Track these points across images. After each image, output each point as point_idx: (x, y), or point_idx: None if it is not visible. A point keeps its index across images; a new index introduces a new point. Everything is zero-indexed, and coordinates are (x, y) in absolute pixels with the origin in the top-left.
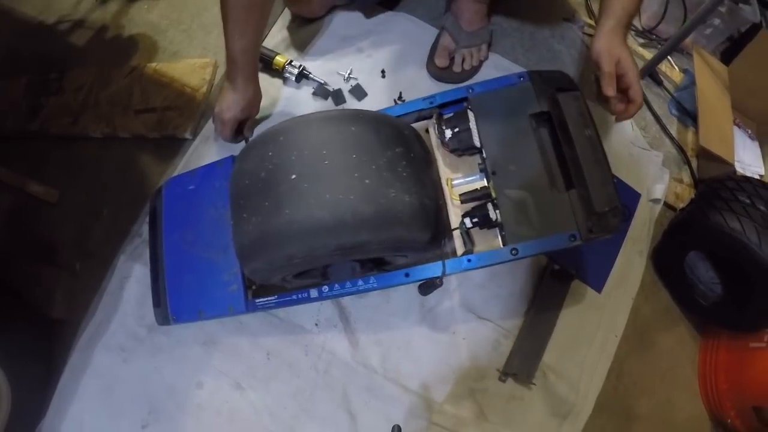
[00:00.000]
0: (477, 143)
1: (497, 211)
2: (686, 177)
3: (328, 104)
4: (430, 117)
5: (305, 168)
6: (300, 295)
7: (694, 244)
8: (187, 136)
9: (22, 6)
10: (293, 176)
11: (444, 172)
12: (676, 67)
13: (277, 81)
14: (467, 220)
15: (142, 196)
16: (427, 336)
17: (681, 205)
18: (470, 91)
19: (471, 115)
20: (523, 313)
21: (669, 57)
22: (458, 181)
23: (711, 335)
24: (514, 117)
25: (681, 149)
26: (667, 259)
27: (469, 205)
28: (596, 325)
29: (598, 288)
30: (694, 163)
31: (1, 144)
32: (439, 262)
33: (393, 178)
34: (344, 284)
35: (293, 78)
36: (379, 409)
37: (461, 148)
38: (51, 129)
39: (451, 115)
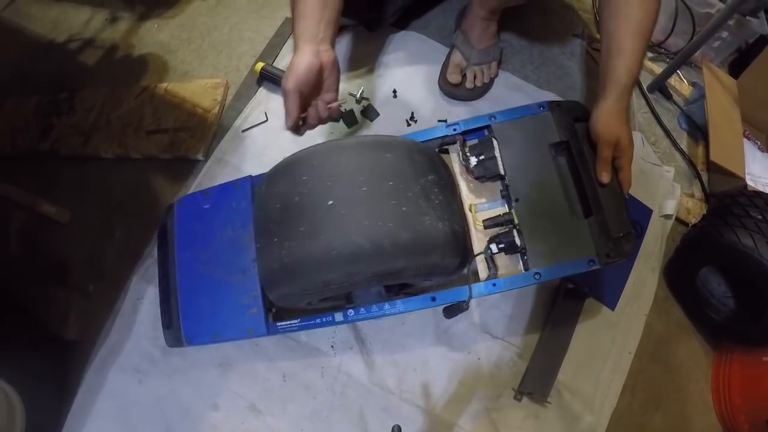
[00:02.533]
0: (501, 171)
1: (521, 237)
2: (697, 191)
3: (339, 126)
4: (452, 143)
5: (343, 194)
6: (324, 319)
7: (707, 260)
8: (200, 157)
9: (31, 25)
10: (330, 202)
11: (467, 197)
12: (685, 81)
13: None
14: (493, 246)
15: (154, 217)
16: (442, 356)
17: (693, 221)
18: (493, 119)
19: (495, 144)
20: (537, 332)
21: (678, 71)
22: (482, 207)
23: (724, 350)
24: (535, 145)
25: (691, 164)
26: (679, 275)
27: (493, 231)
28: (610, 342)
29: (612, 305)
30: (704, 177)
31: (12, 163)
32: (465, 287)
33: (427, 205)
34: (370, 308)
35: None
36: None
37: (486, 175)
38: (62, 149)
39: (476, 142)
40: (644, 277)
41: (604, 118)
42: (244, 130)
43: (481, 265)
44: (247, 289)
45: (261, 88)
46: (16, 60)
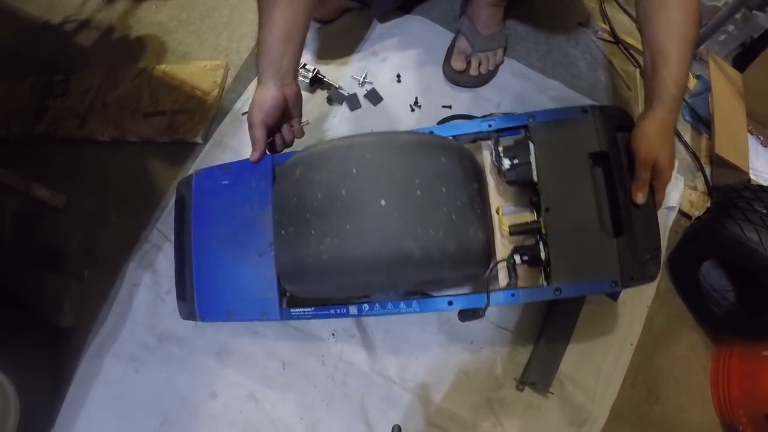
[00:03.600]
0: (535, 178)
1: (546, 250)
2: (700, 184)
3: (342, 109)
4: (486, 139)
5: (397, 195)
6: (338, 311)
7: (710, 253)
8: (198, 140)
9: (26, 6)
10: (383, 202)
11: (494, 199)
12: (689, 74)
13: None
14: (517, 257)
15: (151, 202)
16: (445, 345)
17: (696, 213)
18: (531, 119)
19: (532, 148)
20: (540, 323)
21: None
22: (508, 210)
23: (724, 343)
24: (572, 153)
25: (695, 156)
26: (681, 267)
27: (517, 238)
28: (612, 334)
29: (614, 297)
30: (707, 170)
31: (6, 147)
32: (483, 294)
33: (473, 215)
34: (385, 305)
35: (307, 82)
36: (396, 419)
37: (519, 180)
38: (57, 132)
39: (512, 143)
40: None
41: (647, 134)
42: (244, 113)
43: (501, 273)
44: (263, 271)
45: None
46: (10, 42)
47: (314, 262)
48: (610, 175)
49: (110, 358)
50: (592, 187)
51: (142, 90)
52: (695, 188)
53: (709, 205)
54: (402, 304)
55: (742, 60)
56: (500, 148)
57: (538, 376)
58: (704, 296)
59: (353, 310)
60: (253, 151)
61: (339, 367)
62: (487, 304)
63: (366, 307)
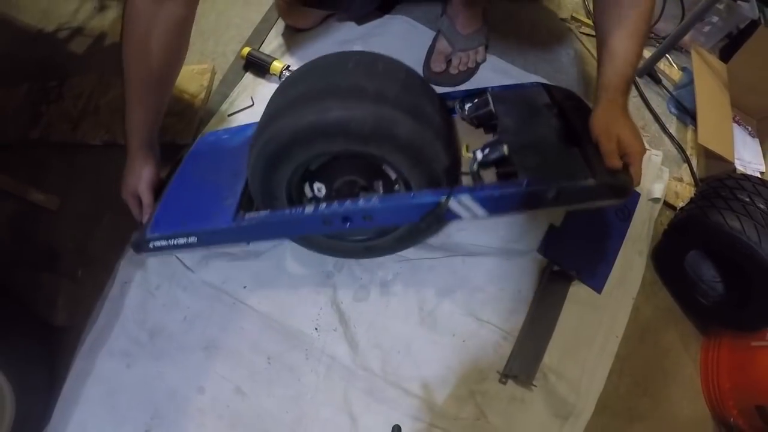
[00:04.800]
0: (492, 109)
1: (505, 147)
2: (686, 176)
3: None
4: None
5: (362, 64)
6: (293, 211)
7: (695, 244)
8: (187, 141)
9: (21, 14)
10: (350, 65)
11: (462, 138)
12: (674, 66)
13: (275, 86)
14: (478, 152)
15: None
16: (426, 339)
17: (681, 204)
18: (490, 89)
19: (489, 96)
20: (522, 315)
21: (667, 55)
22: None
23: (713, 334)
24: (528, 104)
25: (680, 148)
26: (667, 259)
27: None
28: (597, 326)
29: (598, 288)
30: (693, 161)
31: (1, 151)
32: (446, 189)
33: (430, 102)
34: (343, 202)
35: None
36: (380, 412)
37: (478, 114)
38: (51, 136)
39: (473, 95)
40: (632, 261)
41: (601, 114)
42: (230, 114)
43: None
44: (233, 185)
45: (247, 73)
46: (5, 49)
47: (285, 103)
48: (564, 117)
49: (103, 355)
50: (548, 122)
51: None
52: (681, 180)
53: (693, 195)
54: (361, 200)
55: (729, 51)
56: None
57: (520, 368)
58: (691, 287)
59: (309, 209)
60: (144, 215)
61: (322, 360)
62: (449, 195)
63: (323, 205)
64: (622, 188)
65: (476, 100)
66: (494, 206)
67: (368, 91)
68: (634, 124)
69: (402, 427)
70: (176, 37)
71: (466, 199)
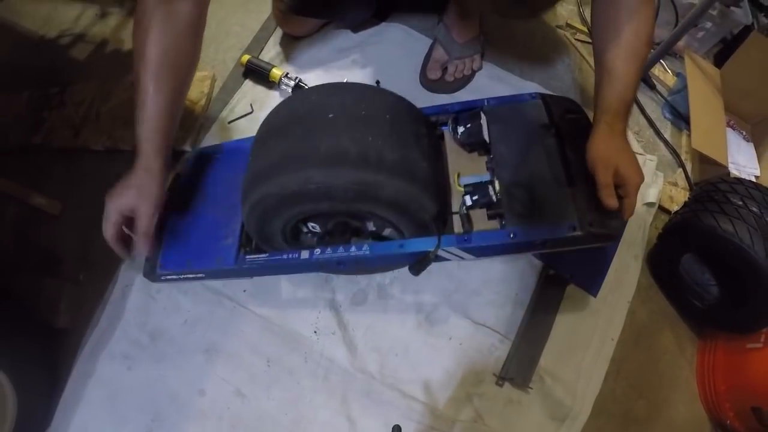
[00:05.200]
0: (486, 138)
1: (497, 192)
2: (681, 180)
3: None
4: (445, 123)
5: (344, 111)
6: (291, 255)
7: (689, 247)
8: (186, 148)
9: (23, 20)
10: (330, 115)
11: (453, 165)
12: (669, 71)
13: (274, 93)
14: (467, 198)
15: None
16: (424, 342)
17: (675, 209)
18: (486, 102)
19: (483, 117)
20: (519, 318)
21: (662, 61)
22: (467, 180)
23: (708, 337)
24: (523, 125)
25: (675, 152)
26: (662, 263)
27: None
28: (593, 329)
29: (594, 292)
30: (688, 166)
31: (4, 157)
32: (434, 237)
33: (417, 146)
34: (337, 248)
35: (290, 90)
36: (378, 414)
37: (470, 141)
38: (53, 142)
39: (466, 115)
40: (627, 265)
41: (600, 142)
42: (230, 122)
43: (457, 226)
44: (230, 222)
45: (247, 80)
46: (7, 56)
47: (268, 164)
48: (561, 144)
49: (104, 358)
50: (543, 150)
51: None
52: (675, 184)
53: (687, 199)
54: (353, 247)
55: (723, 57)
56: (456, 121)
57: (517, 371)
58: (686, 291)
59: (305, 254)
60: (143, 246)
61: (321, 363)
62: (438, 245)
63: (318, 251)
64: (609, 237)
65: (469, 126)
66: (481, 254)
67: (350, 155)
68: (633, 154)
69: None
70: (189, 37)
71: (453, 249)
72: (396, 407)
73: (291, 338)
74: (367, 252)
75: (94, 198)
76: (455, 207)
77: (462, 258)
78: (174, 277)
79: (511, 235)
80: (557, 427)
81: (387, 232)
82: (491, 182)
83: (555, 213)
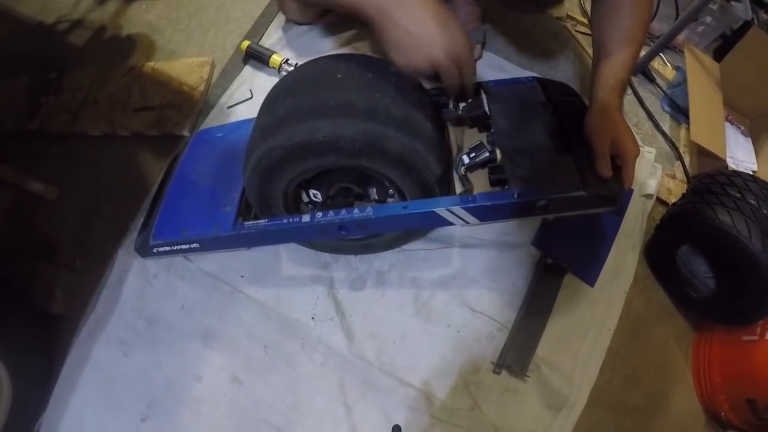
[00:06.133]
0: (486, 110)
1: (500, 160)
2: (679, 173)
3: None
4: (445, 105)
5: (352, 74)
6: (291, 219)
7: (686, 238)
8: (185, 133)
9: (20, 6)
10: (339, 75)
11: (455, 142)
12: (668, 65)
13: (274, 79)
14: (465, 156)
15: (141, 193)
16: (421, 329)
17: (673, 201)
18: (484, 84)
19: (483, 94)
20: (516, 307)
21: (661, 54)
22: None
23: (704, 329)
24: (521, 103)
25: (673, 145)
26: (659, 254)
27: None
28: (590, 319)
29: (591, 282)
30: (686, 159)
31: (1, 142)
32: (438, 199)
33: (422, 110)
34: (339, 211)
35: None
36: (374, 401)
37: (472, 115)
38: (51, 127)
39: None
40: (624, 255)
41: (597, 115)
42: (229, 107)
43: (458, 188)
44: (230, 191)
45: (247, 66)
46: (5, 41)
47: (274, 121)
48: (558, 117)
49: (100, 343)
50: (542, 124)
51: (132, 86)
52: (674, 176)
53: (685, 191)
54: (356, 210)
55: (722, 51)
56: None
57: (514, 359)
58: (684, 282)
59: (306, 217)
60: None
61: (318, 349)
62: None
63: (320, 214)
64: (611, 198)
65: (470, 100)
66: (485, 215)
67: (358, 107)
68: (628, 126)
69: (396, 416)
70: None
71: (458, 209)
72: (393, 394)
73: (288, 324)
74: (371, 214)
75: (91, 183)
76: (457, 185)
77: (466, 222)
78: (167, 248)
79: (515, 195)
80: (554, 416)
81: (390, 201)
82: (492, 150)
83: (558, 176)
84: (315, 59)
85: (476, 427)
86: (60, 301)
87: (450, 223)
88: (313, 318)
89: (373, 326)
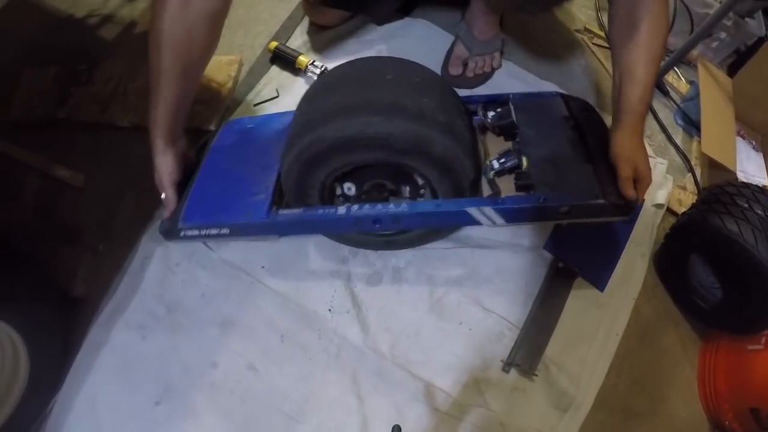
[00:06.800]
0: (514, 119)
1: (526, 168)
2: (690, 185)
3: None
4: (474, 112)
5: (399, 76)
6: (327, 210)
7: (695, 248)
8: (212, 128)
9: (51, 0)
10: (389, 77)
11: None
12: (683, 79)
13: (299, 79)
14: (495, 162)
15: None
16: (434, 325)
17: (683, 211)
18: (511, 96)
19: (510, 105)
20: (527, 308)
21: (676, 69)
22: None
23: (711, 338)
24: (546, 115)
25: (685, 158)
26: (668, 262)
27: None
28: (598, 323)
29: (601, 287)
30: (697, 171)
31: (30, 130)
32: (468, 199)
33: (460, 117)
34: (375, 205)
35: (315, 77)
36: (386, 393)
37: (500, 124)
38: (80, 116)
39: (495, 103)
40: (634, 263)
41: (625, 140)
42: (256, 104)
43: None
44: (263, 180)
45: (273, 66)
46: (35, 32)
47: (322, 113)
48: (580, 130)
49: (119, 326)
50: (565, 136)
51: None
52: (684, 188)
53: (694, 201)
54: (391, 205)
55: (737, 67)
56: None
57: (524, 358)
58: (691, 291)
59: (342, 210)
60: (166, 211)
61: (334, 341)
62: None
63: (355, 206)
64: (628, 208)
65: (499, 110)
66: (512, 217)
67: (408, 109)
68: (647, 153)
69: (406, 408)
70: (208, 30)
71: (488, 210)
72: (404, 388)
73: (306, 315)
74: (405, 210)
75: (117, 172)
76: (484, 181)
77: (493, 223)
78: (195, 232)
79: (541, 200)
80: (560, 416)
81: (420, 200)
82: (519, 158)
83: (580, 184)
84: (352, 61)
85: (484, 423)
86: (82, 283)
87: (478, 223)
88: (330, 310)
89: (388, 321)
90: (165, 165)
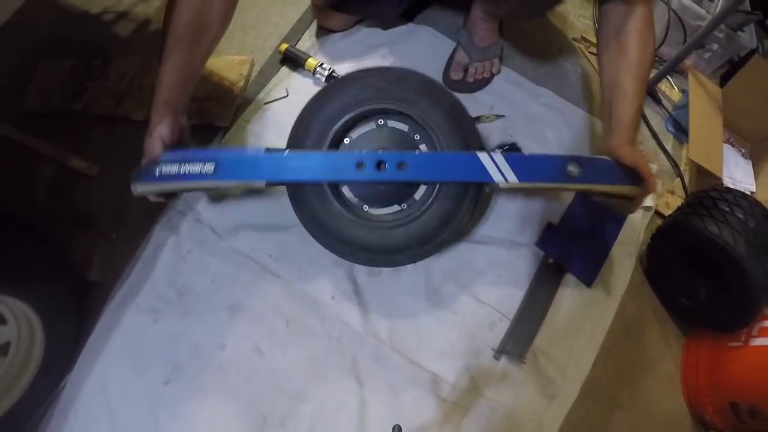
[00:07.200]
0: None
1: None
2: (678, 189)
3: None
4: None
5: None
6: (329, 151)
7: (679, 248)
8: (224, 124)
9: None
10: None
11: None
12: (675, 88)
13: (308, 80)
14: (497, 151)
15: None
16: (431, 314)
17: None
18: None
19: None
20: (518, 300)
21: (669, 77)
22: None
23: (694, 334)
24: None
25: (675, 163)
26: (654, 261)
27: None
28: (585, 317)
29: (589, 283)
30: (686, 177)
31: (46, 121)
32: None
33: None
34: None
35: (323, 79)
36: (384, 377)
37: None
38: (95, 109)
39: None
40: (621, 261)
41: (629, 151)
42: (266, 103)
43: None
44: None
45: (283, 67)
46: (51, 26)
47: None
48: None
49: (131, 310)
50: None
51: None
52: (672, 192)
53: (680, 205)
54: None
55: (729, 77)
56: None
57: (513, 346)
58: (676, 290)
59: (344, 148)
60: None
61: (336, 326)
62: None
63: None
64: (634, 176)
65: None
66: (524, 172)
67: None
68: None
69: (402, 392)
70: (225, 5)
71: (500, 159)
72: (401, 371)
73: (310, 301)
74: (412, 155)
75: (132, 163)
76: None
77: (505, 180)
78: (174, 169)
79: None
80: (547, 403)
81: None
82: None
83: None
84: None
85: (475, 407)
86: (97, 268)
87: (489, 177)
88: (332, 297)
89: (387, 308)
90: (159, 127)
